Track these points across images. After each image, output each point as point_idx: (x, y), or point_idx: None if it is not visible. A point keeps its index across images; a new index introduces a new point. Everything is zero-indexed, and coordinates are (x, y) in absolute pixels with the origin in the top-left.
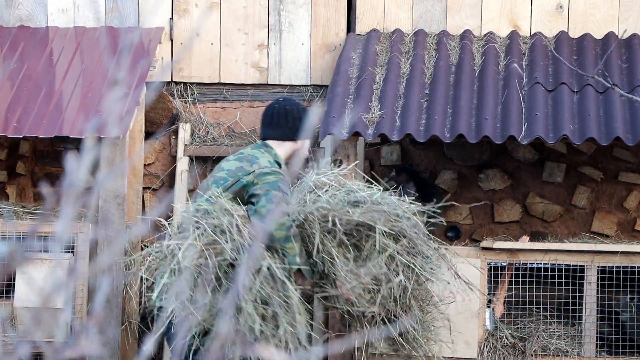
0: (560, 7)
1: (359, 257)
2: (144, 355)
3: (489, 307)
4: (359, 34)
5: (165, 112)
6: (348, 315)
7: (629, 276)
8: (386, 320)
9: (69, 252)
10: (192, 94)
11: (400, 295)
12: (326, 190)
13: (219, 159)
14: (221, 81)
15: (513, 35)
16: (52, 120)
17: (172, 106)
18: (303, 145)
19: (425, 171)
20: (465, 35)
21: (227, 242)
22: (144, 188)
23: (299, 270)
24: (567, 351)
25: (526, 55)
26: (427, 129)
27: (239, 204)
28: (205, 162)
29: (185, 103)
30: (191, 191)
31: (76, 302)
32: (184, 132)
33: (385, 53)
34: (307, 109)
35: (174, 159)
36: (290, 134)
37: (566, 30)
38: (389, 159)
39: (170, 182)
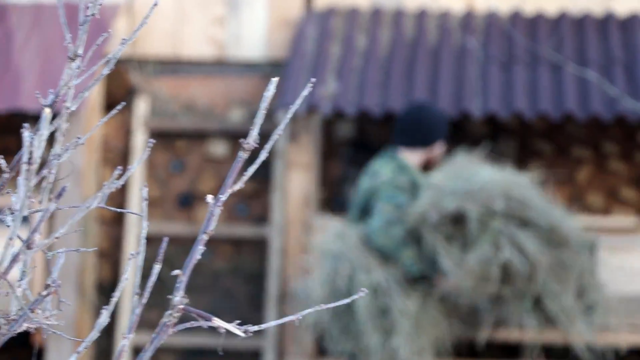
0: None
1: (467, 245)
2: (99, 326)
3: None
4: (316, 10)
5: (122, 87)
6: (469, 315)
7: None
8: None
9: (25, 225)
10: (149, 69)
11: (526, 274)
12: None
13: (175, 134)
14: (178, 56)
15: (468, 12)
16: (9, 93)
17: (130, 81)
18: (436, 150)
19: (381, 147)
20: (422, 11)
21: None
22: (101, 161)
23: (437, 272)
24: None
25: (481, 31)
26: (383, 105)
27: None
28: (161, 137)
29: (143, 78)
30: (151, 168)
31: (32, 275)
32: (141, 106)
33: (342, 29)
34: (443, 112)
35: (131, 133)
36: (422, 140)
37: (521, 6)
38: (345, 136)
39: (127, 156)
